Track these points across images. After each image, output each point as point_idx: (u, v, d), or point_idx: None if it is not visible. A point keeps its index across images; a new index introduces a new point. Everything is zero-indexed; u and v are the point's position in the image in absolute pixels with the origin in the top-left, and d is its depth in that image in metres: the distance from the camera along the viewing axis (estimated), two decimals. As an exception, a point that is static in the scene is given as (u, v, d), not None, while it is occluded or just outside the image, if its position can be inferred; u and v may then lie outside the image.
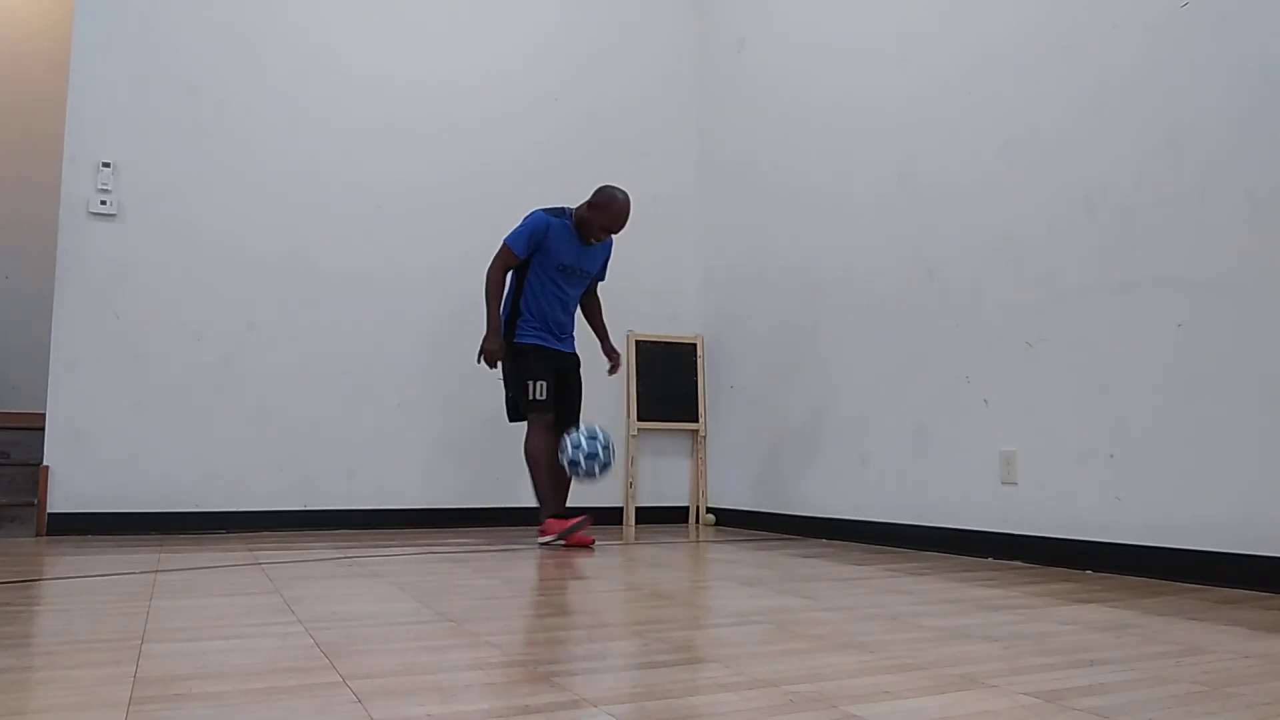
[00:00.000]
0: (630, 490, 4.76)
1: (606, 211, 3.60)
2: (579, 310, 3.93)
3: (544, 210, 3.71)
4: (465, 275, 4.47)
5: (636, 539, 4.03)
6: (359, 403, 4.33)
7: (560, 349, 3.73)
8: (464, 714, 1.28)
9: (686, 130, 5.18)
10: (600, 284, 3.99)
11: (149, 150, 4.07)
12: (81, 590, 2.38)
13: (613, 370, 3.97)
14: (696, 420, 4.89)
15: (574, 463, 3.45)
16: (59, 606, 2.14)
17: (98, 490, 3.87)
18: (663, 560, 3.24)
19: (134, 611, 2.06)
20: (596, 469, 3.44)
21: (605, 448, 3.46)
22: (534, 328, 3.67)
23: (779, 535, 4.24)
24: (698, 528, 4.66)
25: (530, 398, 3.65)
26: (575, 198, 3.96)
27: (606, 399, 4.79)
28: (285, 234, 4.27)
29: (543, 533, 3.63)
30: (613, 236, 3.78)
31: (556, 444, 3.59)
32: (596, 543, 3.65)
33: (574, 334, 3.84)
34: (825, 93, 4.23)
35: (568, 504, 3.77)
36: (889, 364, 3.78)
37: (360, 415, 4.33)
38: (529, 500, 4.51)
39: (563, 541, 3.56)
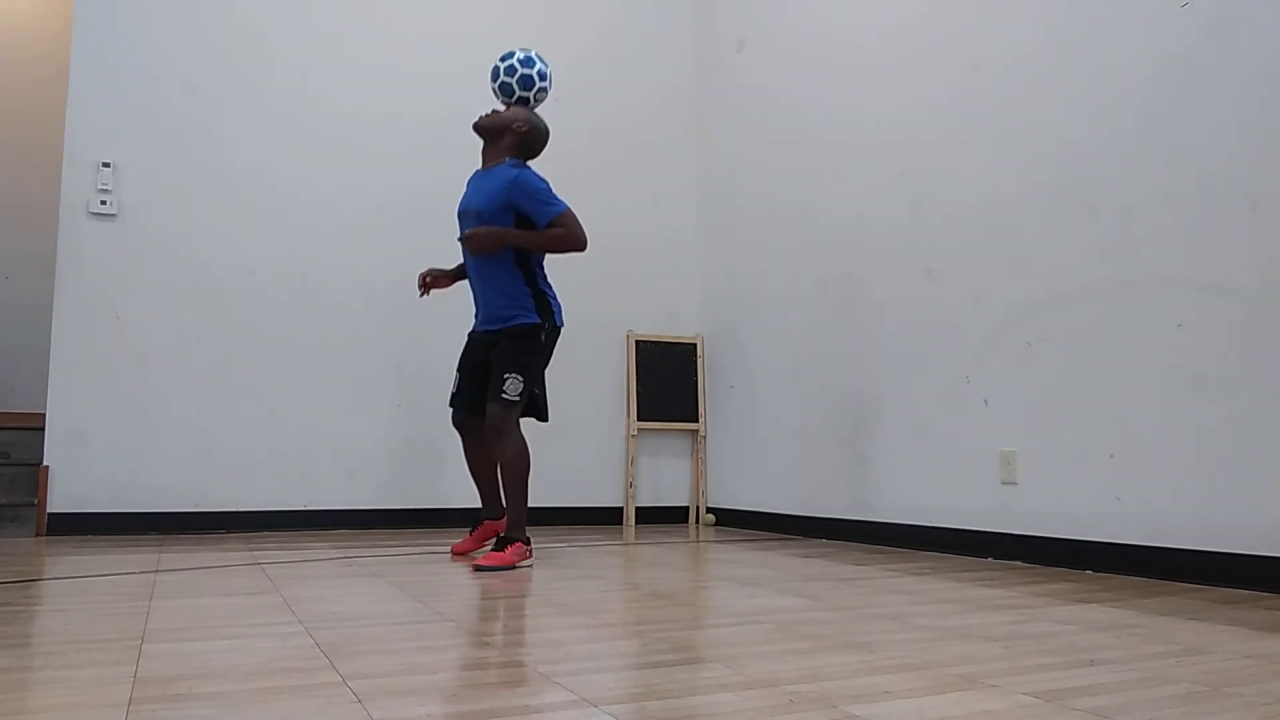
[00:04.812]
0: (630, 490, 4.76)
1: None
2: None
3: None
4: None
5: (636, 539, 4.03)
6: (359, 403, 4.33)
7: (477, 330, 3.26)
8: (464, 714, 1.28)
9: (688, 129, 5.17)
10: (556, 228, 3.25)
11: (149, 150, 4.07)
12: (81, 590, 2.38)
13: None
14: (696, 420, 4.89)
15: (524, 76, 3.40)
16: (59, 606, 2.14)
17: (98, 490, 3.87)
18: (663, 560, 3.23)
19: (134, 611, 2.06)
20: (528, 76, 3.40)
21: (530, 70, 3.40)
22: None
23: (779, 535, 4.24)
24: (698, 528, 4.66)
25: None
26: (576, 200, 3.94)
27: (607, 399, 4.79)
28: (285, 234, 4.27)
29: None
30: (515, 171, 3.28)
31: (473, 450, 3.26)
32: (589, 544, 3.65)
33: (507, 304, 3.13)
34: (825, 92, 4.23)
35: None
36: (889, 364, 3.78)
37: (360, 415, 4.33)
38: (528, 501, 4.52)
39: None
